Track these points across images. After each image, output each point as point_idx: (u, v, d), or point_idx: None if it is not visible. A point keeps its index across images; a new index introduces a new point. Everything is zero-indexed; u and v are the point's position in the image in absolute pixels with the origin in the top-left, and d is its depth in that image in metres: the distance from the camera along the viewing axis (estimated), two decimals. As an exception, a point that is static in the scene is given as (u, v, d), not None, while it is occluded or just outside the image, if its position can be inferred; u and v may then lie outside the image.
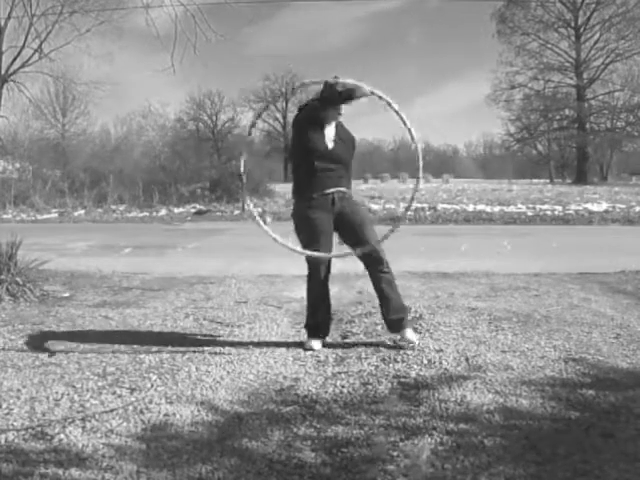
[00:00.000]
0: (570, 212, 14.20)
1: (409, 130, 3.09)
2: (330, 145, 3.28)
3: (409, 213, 3.33)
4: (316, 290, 3.39)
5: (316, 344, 3.37)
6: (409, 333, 3.36)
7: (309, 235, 3.27)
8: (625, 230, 11.53)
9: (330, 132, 3.32)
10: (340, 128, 3.36)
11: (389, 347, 3.35)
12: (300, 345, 3.41)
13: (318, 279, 3.36)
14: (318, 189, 3.24)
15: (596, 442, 2.13)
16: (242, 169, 3.41)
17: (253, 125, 3.52)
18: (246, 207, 3.21)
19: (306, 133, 3.25)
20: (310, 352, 3.29)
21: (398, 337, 3.39)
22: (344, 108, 3.26)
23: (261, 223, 3.20)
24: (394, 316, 3.35)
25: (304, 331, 3.70)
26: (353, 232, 3.30)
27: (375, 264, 3.30)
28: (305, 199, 3.28)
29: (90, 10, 21.95)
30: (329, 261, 3.35)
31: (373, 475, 1.92)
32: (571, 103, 39.71)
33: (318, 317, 3.42)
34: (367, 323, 3.83)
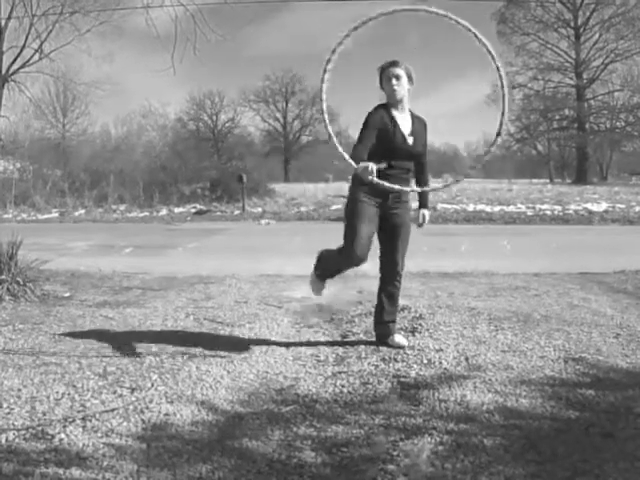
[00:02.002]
0: (570, 212, 14.21)
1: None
2: (410, 140, 3.18)
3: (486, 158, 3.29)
4: (345, 260, 3.19)
5: (323, 289, 3.42)
6: (397, 338, 3.38)
7: (356, 215, 3.15)
8: (625, 230, 11.53)
9: (406, 122, 3.22)
10: (414, 116, 3.27)
11: (389, 347, 3.35)
12: (300, 345, 3.42)
13: (351, 257, 3.13)
14: (379, 183, 3.11)
15: (596, 441, 2.13)
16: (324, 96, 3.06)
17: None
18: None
19: (386, 130, 3.11)
20: (310, 352, 3.29)
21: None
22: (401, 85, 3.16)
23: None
24: (381, 327, 3.41)
25: (304, 331, 3.71)
26: (389, 236, 3.28)
27: (392, 276, 3.33)
28: (363, 185, 3.12)
29: (90, 10, 21.94)
30: (368, 245, 3.15)
31: (373, 475, 1.92)
32: (571, 103, 39.72)
33: (332, 271, 3.36)
34: (367, 323, 3.83)
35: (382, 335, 3.41)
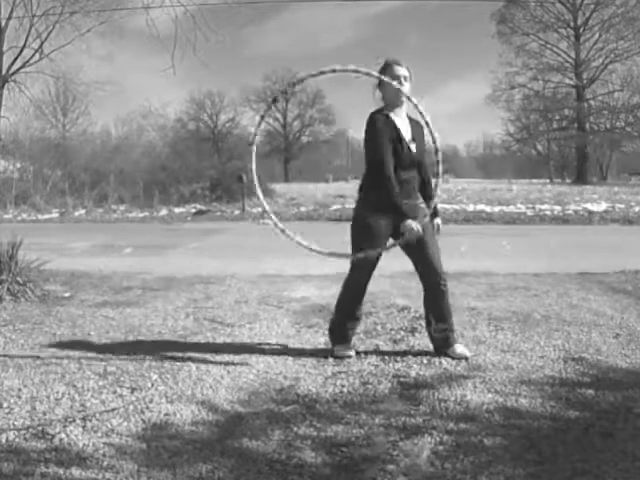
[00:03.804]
0: (569, 212, 14.21)
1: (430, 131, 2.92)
2: (413, 147, 3.05)
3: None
4: (354, 293, 3.20)
5: (349, 351, 3.21)
6: (459, 348, 3.15)
7: (365, 240, 3.05)
8: (625, 230, 11.53)
9: (406, 128, 3.07)
10: (411, 120, 3.12)
11: (389, 347, 3.36)
12: (300, 345, 3.42)
13: (360, 282, 3.17)
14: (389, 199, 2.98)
15: (595, 441, 2.13)
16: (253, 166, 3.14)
17: (255, 134, 3.19)
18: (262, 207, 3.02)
19: (386, 140, 2.97)
20: (310, 352, 3.29)
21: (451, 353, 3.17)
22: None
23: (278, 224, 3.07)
24: (438, 338, 3.18)
25: (304, 331, 3.71)
26: (417, 247, 3.07)
27: (436, 282, 3.12)
28: (372, 205, 3.05)
29: (90, 10, 21.95)
30: (376, 263, 3.14)
31: (373, 474, 1.92)
32: (570, 103, 39.78)
33: (348, 324, 3.24)
34: (367, 323, 3.83)
35: (441, 346, 3.19)
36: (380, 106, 3.09)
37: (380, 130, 2.98)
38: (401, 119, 3.08)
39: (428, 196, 3.20)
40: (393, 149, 2.99)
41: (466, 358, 3.11)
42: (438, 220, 3.33)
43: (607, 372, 2.90)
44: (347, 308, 3.24)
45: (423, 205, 3.16)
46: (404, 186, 3.02)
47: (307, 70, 3.14)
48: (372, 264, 3.14)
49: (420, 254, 3.11)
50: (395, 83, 2.96)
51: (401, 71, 3.02)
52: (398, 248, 3.10)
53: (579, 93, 38.72)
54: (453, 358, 3.12)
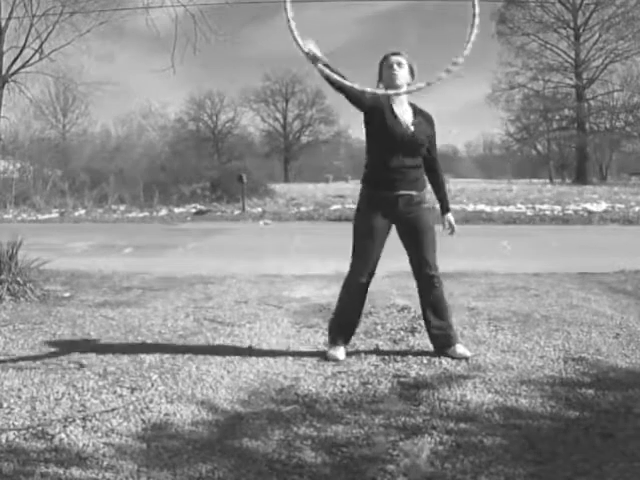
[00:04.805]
0: (569, 212, 14.21)
1: None
2: (412, 128, 3.01)
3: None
4: (354, 290, 3.16)
5: (340, 353, 3.16)
6: (459, 348, 3.14)
7: (362, 232, 3.09)
8: (624, 230, 11.53)
9: (407, 113, 3.04)
10: (416, 109, 3.10)
11: (389, 347, 3.36)
12: (300, 345, 3.42)
13: (359, 283, 3.13)
14: (386, 189, 3.02)
15: (595, 441, 2.13)
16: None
17: None
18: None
19: (381, 116, 2.97)
20: (310, 352, 3.28)
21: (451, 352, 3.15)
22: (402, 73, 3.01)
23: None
24: (437, 338, 3.18)
25: (304, 331, 3.71)
26: (412, 240, 3.11)
27: (426, 280, 3.14)
28: (369, 194, 3.09)
29: (90, 11, 21.94)
30: (377, 260, 3.12)
31: (373, 474, 1.92)
32: (570, 103, 39.76)
33: (347, 322, 3.20)
34: (367, 323, 3.83)
35: (441, 346, 3.18)
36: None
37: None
38: (400, 102, 3.06)
39: (439, 190, 3.27)
40: (384, 123, 2.97)
41: (466, 358, 3.11)
42: (449, 216, 3.30)
43: (607, 372, 2.90)
44: (345, 310, 3.22)
45: (427, 205, 3.16)
46: (398, 174, 3.02)
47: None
48: (371, 264, 3.13)
49: (414, 245, 3.13)
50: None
51: (393, 59, 3.05)
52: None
53: (579, 93, 38.70)
54: (453, 358, 3.11)
